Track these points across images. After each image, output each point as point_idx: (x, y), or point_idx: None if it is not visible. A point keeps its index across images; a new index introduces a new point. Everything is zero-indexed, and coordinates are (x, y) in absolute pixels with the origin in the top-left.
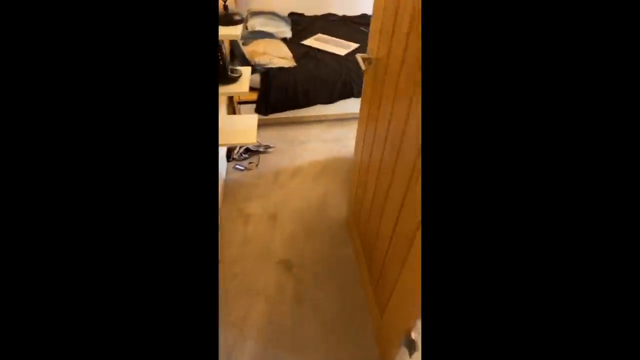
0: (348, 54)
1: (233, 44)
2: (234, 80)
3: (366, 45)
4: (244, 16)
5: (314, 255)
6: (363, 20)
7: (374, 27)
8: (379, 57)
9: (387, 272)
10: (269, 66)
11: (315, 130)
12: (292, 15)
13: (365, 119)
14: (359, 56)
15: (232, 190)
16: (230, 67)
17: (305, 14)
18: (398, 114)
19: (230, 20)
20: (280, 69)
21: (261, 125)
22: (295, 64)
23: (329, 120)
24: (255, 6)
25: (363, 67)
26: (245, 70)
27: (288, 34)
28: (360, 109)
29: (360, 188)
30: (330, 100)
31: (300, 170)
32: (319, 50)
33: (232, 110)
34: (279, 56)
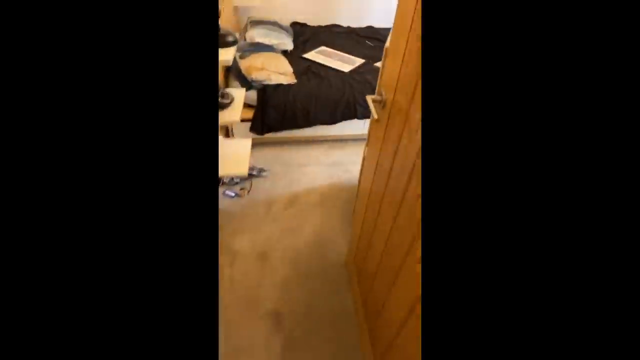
0: (352, 71)
1: None
2: (224, 106)
3: (372, 61)
4: (244, 25)
5: (308, 305)
6: (369, 33)
7: (392, 62)
8: (397, 101)
9: (399, 357)
10: (267, 83)
11: (314, 152)
12: (295, 25)
13: (379, 145)
14: (370, 101)
15: (220, 221)
16: (221, 91)
17: (309, 24)
18: None
19: (222, 42)
20: (279, 86)
21: (256, 144)
22: (295, 80)
23: (329, 141)
24: (256, 14)
25: (375, 114)
26: (238, 94)
27: (289, 46)
28: (371, 131)
29: (367, 226)
30: (331, 121)
31: (296, 200)
32: (321, 65)
33: (224, 130)
34: (278, 72)
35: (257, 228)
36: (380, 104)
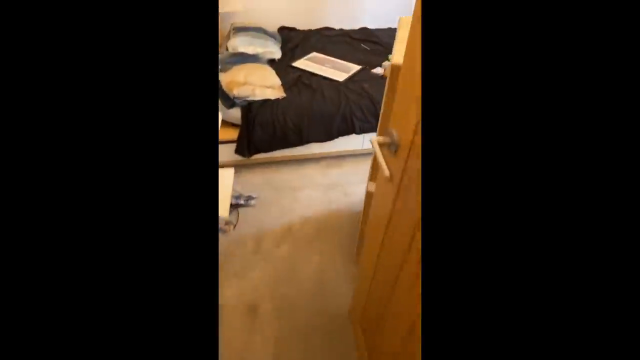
0: (348, 79)
1: None
2: None
3: (368, 67)
4: (227, 32)
5: None
6: (364, 36)
7: (406, 88)
8: (418, 148)
9: None
10: (251, 99)
11: (309, 172)
12: (283, 30)
13: (388, 211)
14: (376, 146)
15: None
16: None
17: (298, 28)
18: None
19: None
20: (266, 101)
21: (242, 166)
22: (284, 94)
23: (325, 158)
24: (240, 20)
25: (385, 168)
26: None
27: (277, 54)
28: (377, 183)
29: (381, 282)
30: (327, 138)
31: (290, 232)
32: (313, 74)
33: None
34: (264, 85)
35: (244, 272)
36: (391, 148)
